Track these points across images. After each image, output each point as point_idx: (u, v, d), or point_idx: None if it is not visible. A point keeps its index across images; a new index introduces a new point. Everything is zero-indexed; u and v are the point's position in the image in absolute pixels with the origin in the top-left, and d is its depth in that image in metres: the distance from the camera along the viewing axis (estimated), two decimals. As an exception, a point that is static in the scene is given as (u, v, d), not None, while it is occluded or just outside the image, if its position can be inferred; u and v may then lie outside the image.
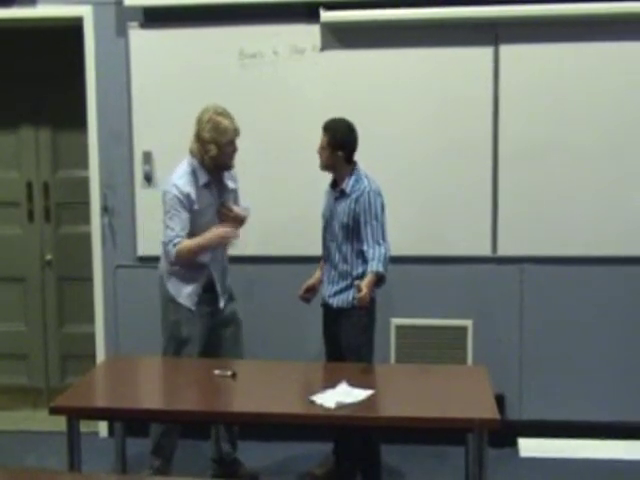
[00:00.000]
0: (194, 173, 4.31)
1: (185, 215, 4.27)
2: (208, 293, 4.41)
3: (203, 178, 4.32)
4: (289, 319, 5.11)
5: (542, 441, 5.06)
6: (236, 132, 4.31)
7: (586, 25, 4.83)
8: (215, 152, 4.27)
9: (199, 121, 4.30)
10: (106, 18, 5.10)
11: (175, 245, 4.25)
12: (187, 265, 4.34)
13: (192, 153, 4.34)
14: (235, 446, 4.63)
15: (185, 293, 4.37)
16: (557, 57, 4.89)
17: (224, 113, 4.30)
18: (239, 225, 4.41)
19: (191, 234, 4.29)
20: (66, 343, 5.76)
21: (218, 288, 4.43)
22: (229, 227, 4.34)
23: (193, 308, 4.37)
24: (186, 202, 4.26)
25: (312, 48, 4.99)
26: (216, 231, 4.31)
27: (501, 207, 4.99)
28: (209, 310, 4.42)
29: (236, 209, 4.43)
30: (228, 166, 4.38)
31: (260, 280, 5.16)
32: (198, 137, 4.30)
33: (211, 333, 4.45)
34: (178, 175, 4.32)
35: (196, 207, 4.29)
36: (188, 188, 4.27)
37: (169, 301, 4.40)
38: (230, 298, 4.54)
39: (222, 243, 4.38)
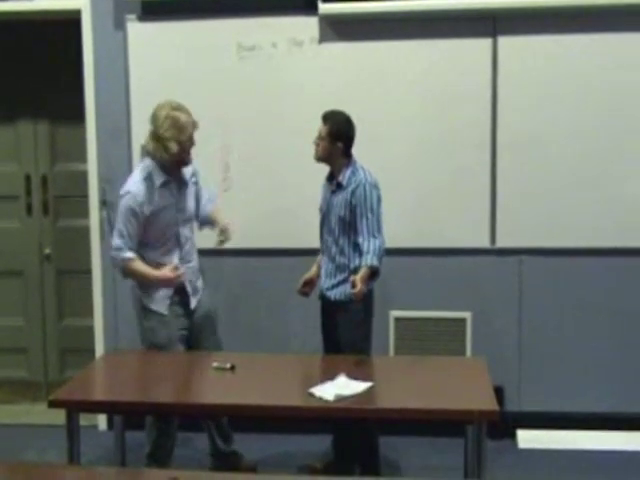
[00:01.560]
0: (150, 177, 4.21)
1: (136, 225, 4.18)
2: (178, 295, 4.35)
3: (160, 179, 4.22)
4: (286, 312, 5.11)
5: (541, 433, 5.07)
6: (194, 125, 4.20)
7: (584, 16, 4.83)
8: (176, 149, 4.16)
9: (155, 118, 4.17)
10: (104, 11, 5.10)
11: (124, 260, 4.21)
12: (156, 268, 4.26)
13: (148, 153, 4.24)
14: (229, 440, 4.60)
15: (156, 298, 4.31)
16: (555, 48, 4.88)
17: (181, 108, 4.18)
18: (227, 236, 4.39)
19: (149, 235, 4.23)
20: (65, 337, 5.76)
21: (189, 290, 4.38)
22: (175, 273, 4.24)
23: (166, 312, 4.32)
24: (138, 211, 4.17)
25: (310, 40, 4.98)
26: (165, 275, 4.22)
27: (499, 199, 4.99)
28: (183, 311, 4.37)
29: (219, 221, 4.39)
30: (186, 163, 4.27)
31: (256, 273, 5.15)
32: (155, 135, 4.17)
33: (190, 332, 4.40)
34: (132, 182, 4.23)
35: (152, 213, 4.20)
36: (142, 195, 4.17)
37: (142, 308, 4.34)
38: (204, 295, 4.48)
39: (167, 286, 4.29)
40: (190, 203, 4.39)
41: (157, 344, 4.32)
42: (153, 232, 4.25)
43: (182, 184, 4.34)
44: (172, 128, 4.15)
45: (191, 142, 4.22)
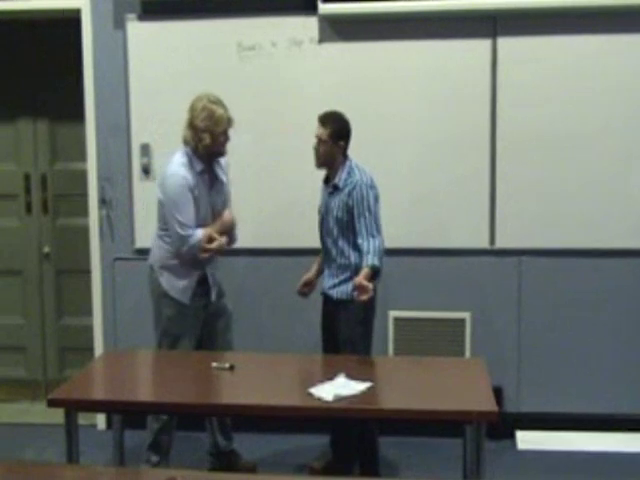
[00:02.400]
0: (190, 162, 4.28)
1: (192, 204, 4.23)
2: (200, 287, 4.39)
3: (198, 166, 4.29)
4: (285, 311, 5.11)
5: (540, 433, 5.07)
6: (230, 122, 4.28)
7: (584, 17, 4.83)
8: (209, 141, 4.24)
9: (192, 109, 4.26)
10: (104, 10, 5.09)
11: (200, 242, 4.22)
12: (187, 258, 4.30)
13: (185, 141, 4.30)
14: (230, 438, 4.63)
15: (179, 287, 4.34)
16: (555, 49, 4.88)
17: (218, 102, 4.27)
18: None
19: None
20: (64, 336, 5.76)
21: (210, 281, 4.42)
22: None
23: (187, 302, 4.35)
24: (190, 190, 4.22)
25: (310, 40, 4.98)
26: (223, 219, 4.34)
27: (499, 199, 4.99)
28: (202, 303, 4.41)
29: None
30: (221, 153, 4.35)
31: (256, 272, 5.16)
32: (191, 125, 4.26)
33: (204, 326, 4.44)
34: (177, 164, 4.26)
35: (197, 195, 4.26)
36: (188, 176, 4.24)
37: (162, 296, 4.36)
38: (220, 290, 4.52)
39: (227, 230, 4.36)
40: (219, 199, 4.42)
41: (171, 333, 4.35)
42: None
43: (214, 178, 4.39)
44: (207, 120, 4.22)
45: (225, 137, 4.29)
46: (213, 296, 4.44)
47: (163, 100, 5.05)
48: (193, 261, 4.33)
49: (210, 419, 4.57)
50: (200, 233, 4.24)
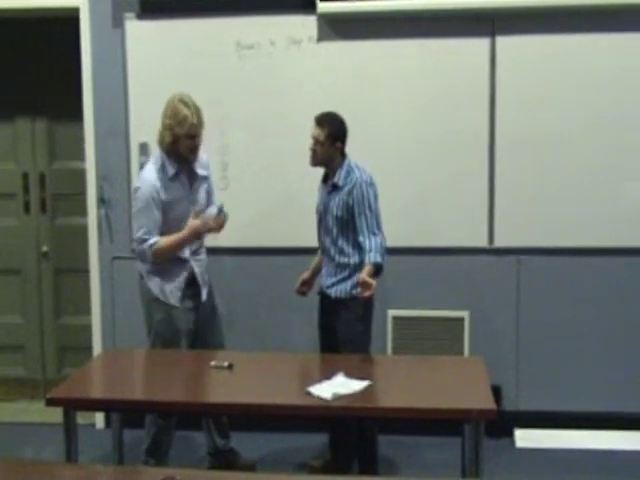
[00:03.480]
0: (163, 167, 4.23)
1: (155, 212, 4.19)
2: (190, 288, 4.37)
3: (171, 170, 4.23)
4: (285, 311, 5.11)
5: (538, 432, 5.07)
6: (195, 127, 4.17)
7: (583, 16, 4.83)
8: (169, 140, 4.18)
9: (165, 105, 4.23)
10: (102, 9, 5.09)
11: (151, 246, 4.19)
12: (168, 261, 4.28)
13: (158, 143, 4.26)
14: (227, 437, 4.62)
15: (168, 290, 4.32)
16: (554, 48, 4.88)
17: (188, 103, 4.19)
18: (220, 228, 4.35)
19: (163, 230, 4.23)
20: (63, 335, 5.76)
21: (200, 281, 4.40)
22: (195, 218, 4.26)
23: (178, 305, 4.33)
24: (156, 199, 4.18)
25: (309, 39, 4.98)
26: (191, 225, 4.24)
27: (498, 198, 4.99)
28: (192, 304, 4.38)
29: (210, 216, 4.34)
30: (186, 158, 4.25)
31: (254, 271, 5.16)
32: (161, 122, 4.23)
33: (195, 328, 4.41)
34: (147, 171, 4.24)
35: (168, 202, 4.21)
36: (158, 184, 4.19)
37: (152, 300, 4.34)
38: (210, 291, 4.51)
39: (198, 236, 4.31)
40: (201, 196, 4.39)
41: (163, 338, 4.34)
42: (167, 224, 4.25)
43: (193, 177, 4.35)
44: (170, 118, 4.18)
45: (192, 141, 4.20)
46: (204, 296, 4.42)
47: (162, 99, 4.98)
48: (180, 262, 4.31)
49: (206, 419, 4.56)
50: (153, 239, 4.19)
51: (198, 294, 4.41)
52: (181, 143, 4.20)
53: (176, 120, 4.16)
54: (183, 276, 4.35)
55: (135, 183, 4.34)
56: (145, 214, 4.20)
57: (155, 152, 4.35)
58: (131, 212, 5.11)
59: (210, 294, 4.50)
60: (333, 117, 4.33)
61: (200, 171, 4.38)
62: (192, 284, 4.38)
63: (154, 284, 4.33)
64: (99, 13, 5.09)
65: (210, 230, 4.32)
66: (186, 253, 4.33)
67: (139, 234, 4.21)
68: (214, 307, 4.53)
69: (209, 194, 4.47)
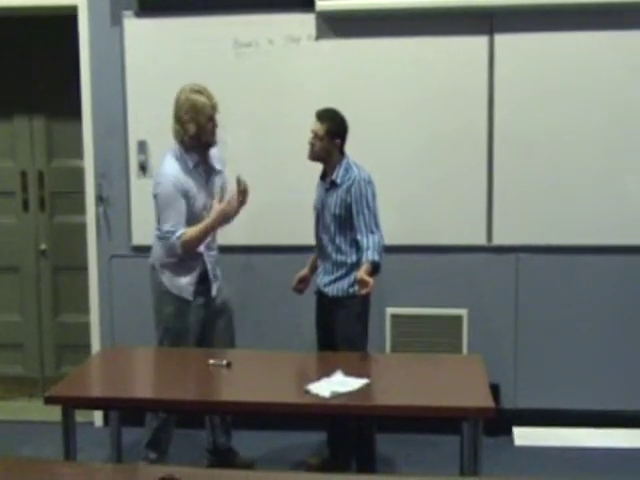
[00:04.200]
0: (181, 159, 4.27)
1: (181, 204, 4.22)
2: (202, 283, 4.39)
3: (191, 161, 4.28)
4: (285, 308, 5.11)
5: (537, 430, 5.08)
6: (214, 108, 4.27)
7: (581, 14, 4.83)
8: (194, 130, 4.23)
9: (176, 101, 4.28)
10: (100, 7, 5.09)
11: (179, 237, 4.20)
12: (187, 255, 4.29)
13: (174, 136, 4.30)
14: (229, 436, 4.63)
15: (181, 284, 4.34)
16: (552, 46, 4.88)
17: (200, 90, 4.27)
18: (244, 200, 4.30)
19: (187, 222, 4.25)
20: (61, 333, 5.76)
21: (211, 276, 4.41)
22: (222, 204, 4.26)
23: (190, 299, 4.35)
24: (181, 190, 4.22)
25: (307, 37, 4.98)
26: (217, 208, 4.25)
27: (496, 196, 5.00)
28: (203, 300, 4.40)
29: (231, 196, 4.31)
30: (210, 142, 4.32)
31: (252, 270, 5.16)
32: (177, 118, 4.27)
33: (206, 323, 4.43)
34: (168, 164, 4.28)
35: (190, 193, 4.26)
36: (181, 175, 4.24)
37: (164, 293, 4.35)
38: (221, 286, 4.52)
39: (226, 220, 4.30)
40: (217, 190, 4.40)
41: (173, 331, 4.34)
42: (189, 216, 4.26)
43: (209, 169, 4.38)
44: (190, 110, 4.24)
45: (212, 123, 4.28)
46: (214, 291, 4.43)
47: (160, 97, 5.01)
48: (194, 256, 4.33)
49: (211, 417, 4.57)
50: (180, 232, 4.21)
51: (209, 290, 4.42)
52: (205, 130, 4.26)
53: (196, 110, 4.24)
54: (197, 270, 4.37)
55: (155, 179, 4.34)
56: (171, 206, 4.22)
57: (170, 150, 4.34)
58: (130, 210, 5.15)
59: (221, 290, 4.50)
60: (334, 113, 4.33)
61: (216, 165, 4.41)
62: (204, 280, 4.40)
63: (167, 277, 4.34)
64: (97, 11, 5.09)
65: (236, 210, 4.28)
66: (201, 247, 4.33)
67: (166, 228, 4.23)
68: (225, 303, 4.52)
69: (223, 189, 4.47)
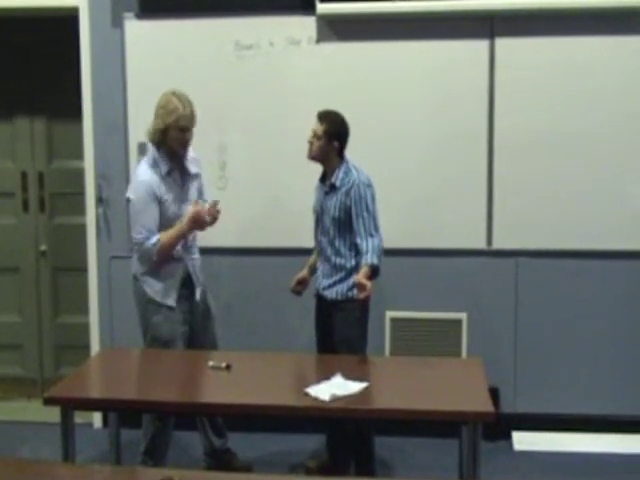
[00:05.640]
0: (155, 164, 4.24)
1: (155, 210, 4.20)
2: (185, 288, 4.37)
3: (164, 167, 4.25)
4: (282, 311, 5.11)
5: (536, 434, 5.07)
6: (185, 118, 4.19)
7: (582, 18, 4.83)
8: (159, 127, 4.19)
9: (159, 99, 4.27)
10: (101, 8, 5.09)
11: (155, 244, 4.19)
12: (164, 260, 4.27)
13: (149, 139, 4.27)
14: (224, 436, 4.61)
15: (164, 291, 4.30)
16: (553, 50, 4.88)
17: (180, 97, 4.22)
18: (214, 221, 4.29)
19: (159, 228, 4.22)
20: (60, 334, 5.75)
21: (194, 279, 4.40)
22: (196, 207, 4.23)
23: (174, 305, 4.32)
24: (153, 196, 4.19)
25: (308, 40, 4.98)
26: (190, 212, 4.22)
27: (496, 200, 5.00)
28: (188, 305, 4.38)
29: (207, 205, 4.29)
30: (175, 152, 4.26)
31: (251, 272, 5.16)
32: (154, 114, 4.25)
33: (190, 329, 4.40)
34: (141, 170, 4.26)
35: (163, 199, 4.22)
36: (154, 182, 4.20)
37: (148, 302, 4.32)
38: (204, 290, 4.50)
39: (198, 225, 4.25)
40: (193, 194, 4.38)
41: (160, 339, 4.32)
42: (161, 222, 4.24)
43: (185, 175, 4.35)
44: (162, 108, 4.21)
45: (181, 134, 4.20)
46: (198, 295, 4.41)
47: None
48: (174, 261, 4.30)
49: (201, 419, 4.55)
50: (155, 238, 4.19)
51: (192, 294, 4.40)
52: (171, 134, 4.20)
53: (167, 109, 4.19)
54: (179, 275, 4.34)
55: (130, 185, 4.32)
56: (145, 213, 4.20)
57: (146, 155, 4.34)
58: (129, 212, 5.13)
59: (204, 295, 4.49)
60: (335, 116, 4.32)
61: (192, 169, 4.38)
62: (187, 284, 4.38)
63: (149, 285, 4.32)
64: (98, 13, 5.09)
65: (205, 222, 4.25)
66: (181, 251, 4.31)
67: (141, 235, 4.21)
68: (207, 308, 4.51)
69: (200, 192, 4.47)
